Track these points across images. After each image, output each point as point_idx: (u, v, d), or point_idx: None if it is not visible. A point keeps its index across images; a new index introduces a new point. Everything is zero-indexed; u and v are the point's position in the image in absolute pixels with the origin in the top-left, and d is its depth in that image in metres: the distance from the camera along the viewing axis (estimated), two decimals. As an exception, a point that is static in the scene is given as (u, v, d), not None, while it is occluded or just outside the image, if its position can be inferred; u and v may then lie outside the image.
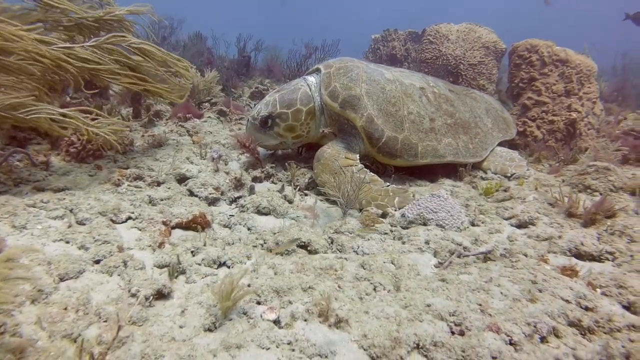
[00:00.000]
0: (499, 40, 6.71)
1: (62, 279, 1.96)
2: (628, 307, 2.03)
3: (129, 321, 1.69)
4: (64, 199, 2.73)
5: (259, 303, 1.92)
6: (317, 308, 1.81)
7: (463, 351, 1.59)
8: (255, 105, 6.95)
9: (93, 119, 2.97)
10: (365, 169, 3.57)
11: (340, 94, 3.73)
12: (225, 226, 2.90)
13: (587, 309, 1.96)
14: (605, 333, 1.81)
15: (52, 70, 2.97)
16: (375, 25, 10.69)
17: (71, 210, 2.64)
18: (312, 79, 4.03)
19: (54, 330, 1.57)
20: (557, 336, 1.78)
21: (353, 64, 3.97)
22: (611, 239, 2.71)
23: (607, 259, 2.55)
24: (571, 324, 1.86)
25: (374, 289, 2.10)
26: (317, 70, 4.09)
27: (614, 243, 2.65)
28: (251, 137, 3.89)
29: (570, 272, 2.23)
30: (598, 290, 2.14)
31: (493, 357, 1.57)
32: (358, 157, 3.70)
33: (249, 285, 2.00)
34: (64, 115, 2.65)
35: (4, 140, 3.43)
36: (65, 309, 1.72)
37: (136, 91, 4.66)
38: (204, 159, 3.87)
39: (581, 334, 1.83)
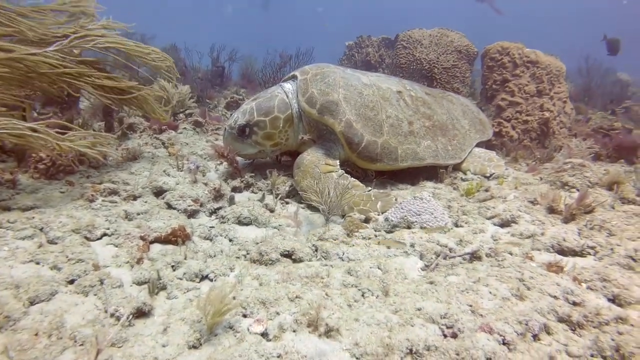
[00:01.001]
0: (471, 44, 6.85)
1: (32, 303, 1.84)
2: (613, 300, 2.05)
3: (107, 343, 1.58)
4: (33, 217, 2.59)
5: (244, 316, 1.84)
6: (306, 318, 1.75)
7: (457, 354, 1.56)
8: (232, 114, 6.89)
9: (63, 133, 2.84)
10: (347, 175, 3.55)
11: (317, 100, 3.70)
12: (206, 238, 2.82)
13: (574, 304, 1.96)
14: (594, 327, 1.81)
15: (19, 79, 2.84)
16: (348, 33, 10.76)
17: (41, 229, 2.51)
18: (288, 85, 3.99)
19: (23, 358, 1.46)
20: (548, 333, 1.77)
21: (329, 70, 3.96)
22: (591, 233, 2.76)
23: (589, 254, 2.59)
24: (561, 320, 1.85)
25: (362, 295, 2.06)
26: (294, 77, 4.06)
27: (594, 237, 2.69)
28: (229, 147, 3.81)
29: (556, 268, 2.24)
30: (583, 284, 2.16)
31: (487, 358, 1.54)
32: (338, 163, 3.67)
33: (234, 298, 1.92)
34: (33, 129, 2.52)
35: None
36: (37, 334, 1.61)
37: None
38: (181, 171, 3.76)
39: (571, 329, 1.83)
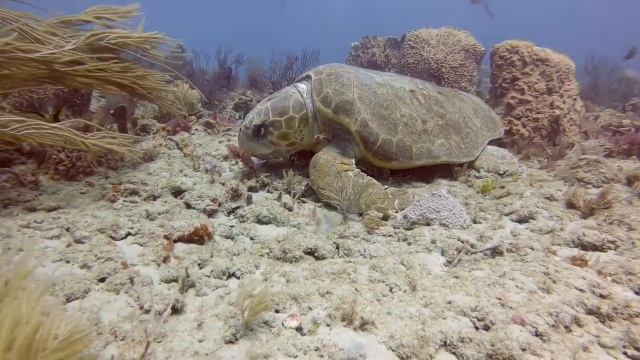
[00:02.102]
0: (478, 43, 6.87)
1: (68, 300, 1.87)
2: (639, 293, 2.07)
3: (153, 337, 1.61)
4: (59, 217, 2.63)
5: (277, 311, 1.87)
6: (339, 312, 1.78)
7: (492, 345, 1.58)
8: (246, 114, 6.93)
9: (84, 132, 2.88)
10: (363, 173, 3.57)
11: (333, 100, 3.73)
12: (227, 237, 2.84)
13: (602, 296, 1.98)
14: (624, 319, 1.83)
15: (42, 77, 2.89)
16: (351, 33, 10.78)
17: (67, 229, 2.54)
18: (302, 85, 4.02)
19: (68, 352, 1.49)
20: (578, 325, 1.79)
21: (343, 70, 3.99)
22: (611, 228, 2.77)
23: (610, 248, 2.60)
24: (590, 312, 1.88)
25: (391, 290, 2.08)
26: (307, 77, 4.09)
27: (614, 232, 2.70)
28: (244, 147, 3.84)
29: (580, 261, 2.26)
30: (608, 278, 2.17)
31: (522, 349, 1.56)
32: (354, 162, 3.69)
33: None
34: (58, 129, 2.56)
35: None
36: (77, 330, 1.64)
37: (121, 106, 4.59)
38: (198, 171, 3.80)
39: (601, 321, 1.85)
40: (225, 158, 4.42)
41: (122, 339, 1.61)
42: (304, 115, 3.83)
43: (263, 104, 3.90)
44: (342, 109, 3.70)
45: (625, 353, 1.67)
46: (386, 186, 3.51)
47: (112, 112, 4.64)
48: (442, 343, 1.64)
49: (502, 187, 3.56)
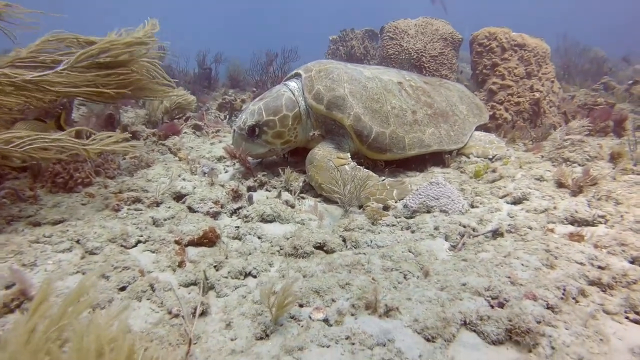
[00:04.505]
0: (455, 31, 7.01)
1: (94, 310, 1.90)
2: (633, 262, 2.22)
3: (183, 340, 1.67)
4: (67, 230, 2.63)
5: (301, 306, 1.94)
6: (362, 301, 1.86)
7: (510, 320, 1.69)
8: (231, 114, 6.92)
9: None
10: (359, 167, 3.65)
11: (324, 96, 3.79)
12: (234, 238, 2.88)
13: (600, 268, 2.12)
14: (623, 287, 1.97)
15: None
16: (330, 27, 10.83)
17: (77, 241, 2.55)
18: (293, 84, 4.07)
19: (109, 360, 1.53)
20: (584, 295, 1.93)
21: (332, 66, 4.05)
22: (600, 203, 2.94)
23: (600, 222, 2.76)
24: (592, 283, 2.02)
25: (405, 277, 2.18)
26: (297, 75, 4.13)
27: (604, 207, 2.87)
28: (239, 148, 3.87)
29: (577, 237, 2.40)
30: (604, 250, 2.32)
31: (538, 322, 1.68)
32: (349, 156, 3.77)
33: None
34: (58, 140, 2.56)
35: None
36: (112, 338, 1.68)
37: (110, 113, 4.55)
38: (195, 175, 3.82)
39: (602, 290, 1.99)
40: (219, 159, 4.44)
41: (159, 343, 1.66)
42: (297, 113, 3.88)
43: (255, 104, 3.92)
44: (334, 104, 3.77)
45: (627, 317, 1.82)
46: (383, 177, 3.60)
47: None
48: (463, 322, 1.75)
49: (494, 171, 3.70)
